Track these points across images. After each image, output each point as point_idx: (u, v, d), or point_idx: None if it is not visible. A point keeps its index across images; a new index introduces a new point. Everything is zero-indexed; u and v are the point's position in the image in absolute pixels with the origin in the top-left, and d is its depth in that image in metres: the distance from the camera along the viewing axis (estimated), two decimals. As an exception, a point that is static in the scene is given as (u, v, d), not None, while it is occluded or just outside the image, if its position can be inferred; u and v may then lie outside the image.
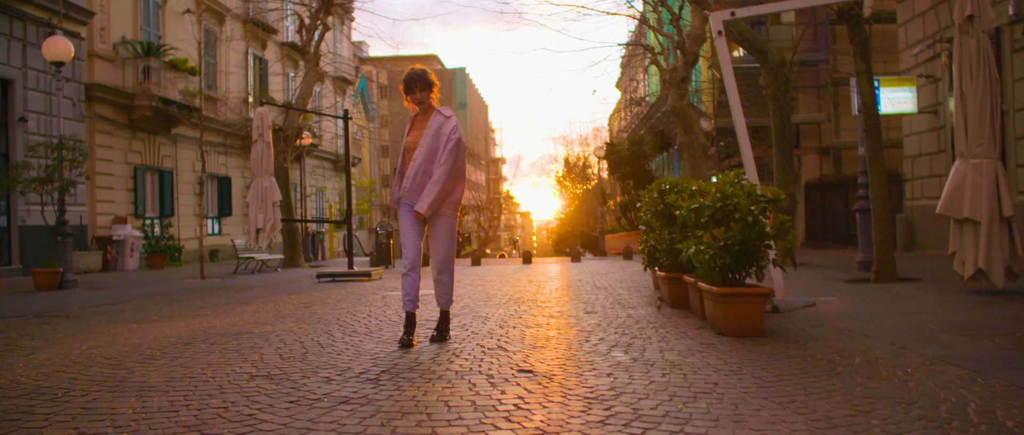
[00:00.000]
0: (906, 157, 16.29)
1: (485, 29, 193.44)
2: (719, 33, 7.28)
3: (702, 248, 5.10)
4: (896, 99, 15.48)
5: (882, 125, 12.60)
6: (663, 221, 7.10)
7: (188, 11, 20.98)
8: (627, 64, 47.66)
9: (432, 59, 74.93)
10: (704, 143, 19.48)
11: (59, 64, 11.94)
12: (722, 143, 24.22)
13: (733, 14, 7.32)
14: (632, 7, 23.30)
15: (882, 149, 9.60)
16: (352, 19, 36.17)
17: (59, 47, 11.77)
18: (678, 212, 5.77)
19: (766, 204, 5.13)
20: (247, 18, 24.98)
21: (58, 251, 11.91)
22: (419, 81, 4.96)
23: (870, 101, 9.48)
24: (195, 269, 16.47)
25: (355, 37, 40.62)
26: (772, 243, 5.25)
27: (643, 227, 7.86)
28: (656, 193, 7.30)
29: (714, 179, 5.58)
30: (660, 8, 19.98)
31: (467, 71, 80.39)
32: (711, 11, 7.22)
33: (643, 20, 21.34)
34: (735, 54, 24.38)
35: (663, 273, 7.07)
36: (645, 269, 8.00)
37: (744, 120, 7.43)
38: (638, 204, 12.29)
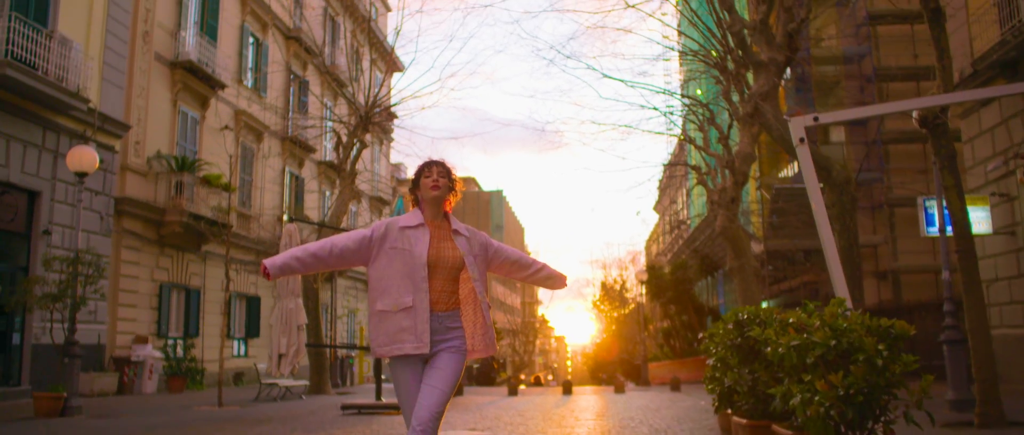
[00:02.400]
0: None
1: (523, 153, 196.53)
2: (801, 141, 6.39)
3: (815, 398, 4.02)
4: (978, 217, 14.37)
5: (940, 247, 11.64)
6: (743, 357, 6.03)
7: (226, 127, 20.82)
8: (665, 186, 47.10)
9: (470, 181, 75.37)
10: (756, 267, 18.41)
11: (83, 175, 11.41)
12: (771, 267, 23.06)
13: (816, 120, 6.44)
14: (674, 125, 22.71)
15: (978, 273, 8.50)
16: (391, 139, 36.26)
17: (84, 157, 11.27)
18: (769, 348, 4.73)
19: (893, 341, 4.08)
20: (285, 136, 24.87)
21: (65, 373, 11.03)
22: (441, 166, 3.55)
23: (962, 219, 8.45)
24: (215, 394, 15.45)
25: (394, 158, 40.73)
26: (897, 392, 4.17)
27: (712, 362, 6.79)
28: (732, 324, 6.25)
29: (764, 304, 4.59)
30: (708, 126, 19.34)
31: (504, 193, 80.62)
32: (792, 116, 6.34)
33: (689, 140, 20.71)
34: (783, 173, 23.54)
35: (743, 420, 5.93)
36: (715, 411, 6.86)
37: (832, 237, 6.43)
38: (700, 335, 11.17)
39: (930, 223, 13.50)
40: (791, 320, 5.20)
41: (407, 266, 3.31)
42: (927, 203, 13.81)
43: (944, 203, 9.27)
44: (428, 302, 3.29)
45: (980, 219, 14.31)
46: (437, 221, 3.49)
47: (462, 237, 3.49)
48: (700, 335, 17.63)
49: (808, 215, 19.48)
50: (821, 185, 14.52)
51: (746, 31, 13.42)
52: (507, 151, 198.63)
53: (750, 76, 17.72)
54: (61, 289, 11.43)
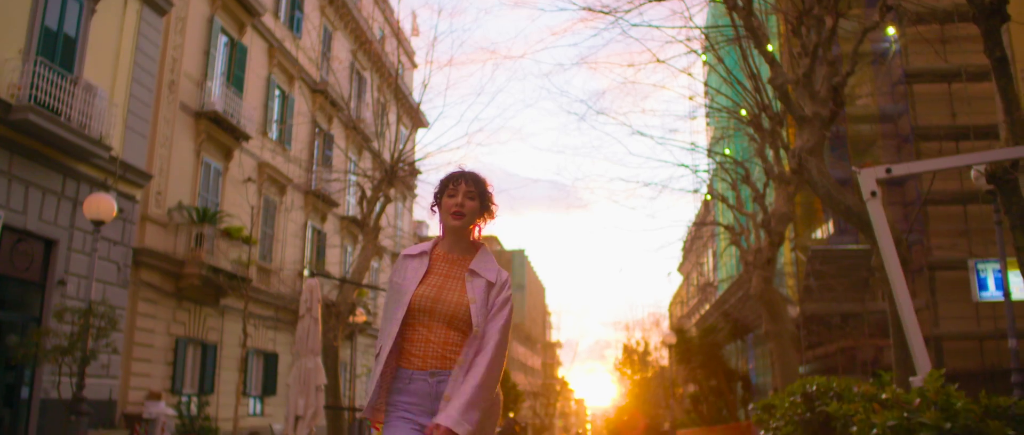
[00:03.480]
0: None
1: (546, 211, 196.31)
2: (873, 194, 5.84)
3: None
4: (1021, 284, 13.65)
5: (985, 313, 11.07)
6: (813, 434, 5.39)
7: (249, 179, 20.54)
8: (690, 248, 46.36)
9: (491, 240, 74.97)
10: (793, 332, 17.65)
11: (99, 223, 11.02)
12: (805, 331, 22.22)
13: (889, 171, 5.90)
14: (704, 182, 22.17)
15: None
16: (414, 195, 35.99)
17: (102, 205, 10.91)
18: (855, 428, 4.11)
19: (1020, 424, 3.46)
20: (308, 189, 24.59)
21: (72, 431, 10.49)
22: (470, 181, 2.85)
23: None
24: (227, 455, 14.79)
25: (417, 214, 40.46)
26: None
27: (765, 434, 6.16)
28: (800, 396, 5.63)
29: (800, 369, 3.98)
30: (741, 185, 18.79)
31: (526, 253, 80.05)
32: (862, 168, 5.79)
33: (721, 198, 20.16)
34: (816, 233, 22.86)
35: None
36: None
37: (909, 300, 5.83)
38: (749, 406, 10.46)
39: (983, 287, 12.84)
40: (883, 395, 4.55)
41: (396, 307, 2.81)
42: (980, 266, 13.14)
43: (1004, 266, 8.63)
44: (396, 356, 2.80)
45: (1034, 284, 13.60)
46: (455, 254, 2.86)
47: (479, 280, 2.79)
48: (749, 406, 16.83)
49: (846, 277, 18.71)
50: (850, 247, 13.89)
51: (789, 85, 12.96)
52: (530, 209, 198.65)
53: (784, 133, 17.24)
54: (71, 342, 10.95)
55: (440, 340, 2.74)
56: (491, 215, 2.87)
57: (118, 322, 12.16)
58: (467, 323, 2.74)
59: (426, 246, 2.91)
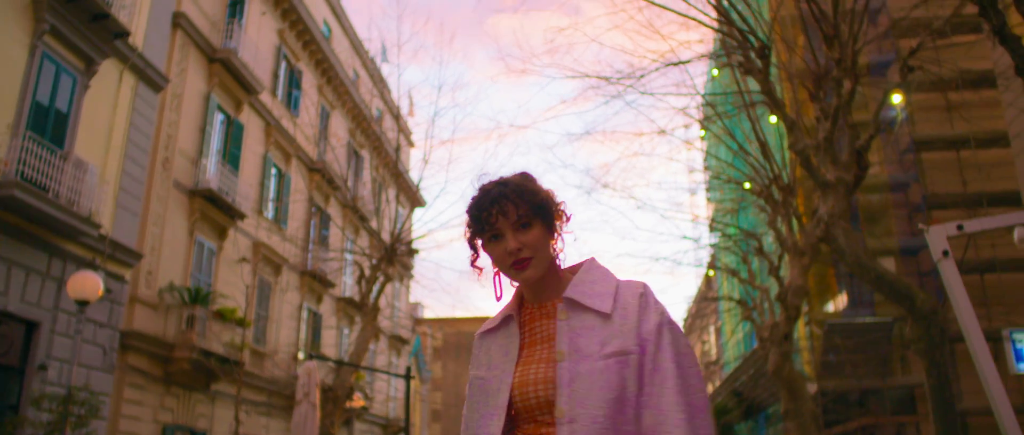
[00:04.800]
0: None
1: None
2: (945, 254, 5.25)
3: None
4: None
5: (1012, 386, 10.39)
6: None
7: (244, 259, 19.89)
8: (692, 326, 45.51)
9: (486, 320, 73.74)
10: (814, 410, 16.80)
11: (84, 303, 10.33)
12: (821, 409, 21.33)
13: (960, 228, 5.32)
14: (711, 256, 21.63)
15: None
16: (411, 276, 35.32)
17: (86, 284, 10.23)
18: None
19: None
20: (304, 270, 23.91)
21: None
22: (511, 198, 1.86)
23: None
24: None
25: (413, 296, 39.72)
26: None
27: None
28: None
29: None
30: (752, 257, 18.24)
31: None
32: (929, 225, 5.21)
33: (732, 272, 19.56)
34: (829, 306, 22.19)
35: None
36: None
37: (995, 370, 5.18)
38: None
39: (1020, 359, 12.19)
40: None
41: (486, 414, 1.86)
42: (1016, 336, 12.50)
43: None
44: None
45: (1075, 355, 12.94)
46: (544, 302, 1.90)
47: (581, 315, 1.81)
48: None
49: (864, 352, 17.98)
50: (874, 319, 13.29)
51: (810, 151, 12.56)
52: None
53: (797, 203, 16.80)
54: (48, 432, 10.12)
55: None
56: (565, 224, 1.93)
57: (100, 409, 11.33)
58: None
59: (508, 308, 1.97)
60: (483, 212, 1.86)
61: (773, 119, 17.59)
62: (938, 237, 5.31)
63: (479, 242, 1.93)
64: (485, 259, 1.95)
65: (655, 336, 1.75)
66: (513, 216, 1.83)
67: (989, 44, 14.33)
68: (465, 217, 1.93)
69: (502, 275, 1.93)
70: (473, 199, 1.90)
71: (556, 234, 1.91)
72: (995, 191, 18.00)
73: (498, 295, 1.94)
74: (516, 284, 1.95)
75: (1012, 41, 7.39)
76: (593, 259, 1.94)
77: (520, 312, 1.95)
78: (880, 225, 21.08)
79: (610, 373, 1.69)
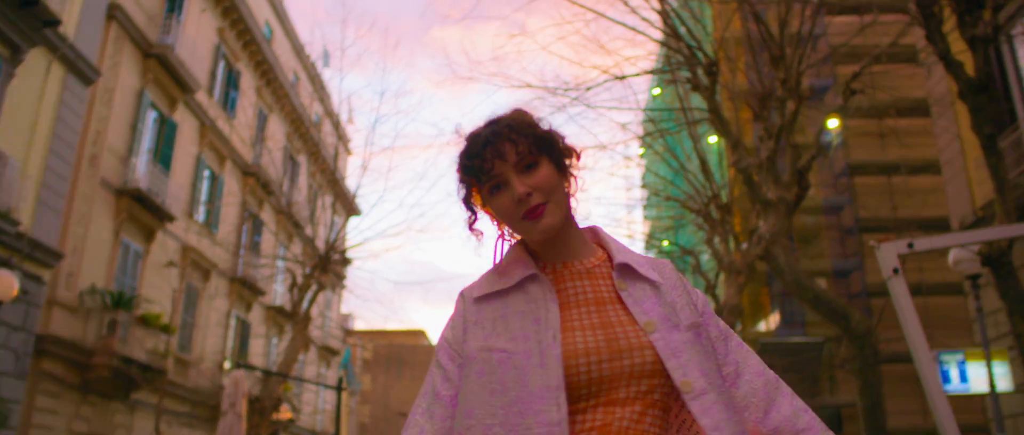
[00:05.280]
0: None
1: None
2: (896, 271, 5.24)
3: None
4: (984, 376, 13.29)
5: (951, 406, 10.69)
6: None
7: (171, 263, 19.17)
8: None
9: (419, 334, 73.10)
10: (746, 428, 16.95)
11: (-3, 303, 9.72)
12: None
13: (911, 246, 5.33)
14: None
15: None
16: (343, 286, 34.69)
17: (1, 282, 9.63)
18: None
19: None
20: (234, 276, 23.20)
21: None
22: (510, 135, 1.52)
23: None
24: None
25: (344, 306, 38.97)
26: None
27: None
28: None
29: None
30: (690, 275, 18.36)
31: (454, 347, 78.16)
32: (881, 242, 5.21)
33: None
34: (761, 325, 22.51)
35: None
36: None
37: (941, 388, 5.19)
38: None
39: (946, 380, 12.48)
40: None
41: (513, 391, 1.41)
42: (944, 358, 12.77)
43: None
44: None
45: (998, 375, 13.28)
46: (569, 261, 1.58)
47: (639, 284, 1.53)
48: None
49: (797, 372, 18.28)
50: (803, 340, 13.51)
51: (752, 169, 12.69)
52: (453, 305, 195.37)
53: (734, 223, 16.99)
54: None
55: (630, 424, 1.40)
56: (575, 165, 1.60)
57: (9, 418, 10.67)
58: (658, 376, 1.42)
59: (521, 267, 1.55)
60: (475, 158, 1.52)
61: (713, 139, 17.82)
62: (889, 255, 5.30)
63: (475, 200, 1.61)
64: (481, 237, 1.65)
65: (707, 309, 1.61)
66: (512, 157, 1.50)
67: (923, 73, 14.76)
68: (455, 175, 1.60)
69: (506, 239, 1.63)
70: (461, 149, 1.57)
71: (569, 175, 1.59)
72: (925, 217, 18.53)
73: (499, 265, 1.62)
74: (516, 239, 1.62)
75: (956, 66, 7.56)
76: (600, 227, 1.68)
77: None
78: (813, 246, 21.53)
79: (701, 344, 1.47)
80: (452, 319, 1.60)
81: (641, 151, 20.90)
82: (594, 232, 1.68)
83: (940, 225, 16.61)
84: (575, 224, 1.60)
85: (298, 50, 29.83)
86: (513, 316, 1.50)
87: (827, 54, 16.47)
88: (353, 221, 32.33)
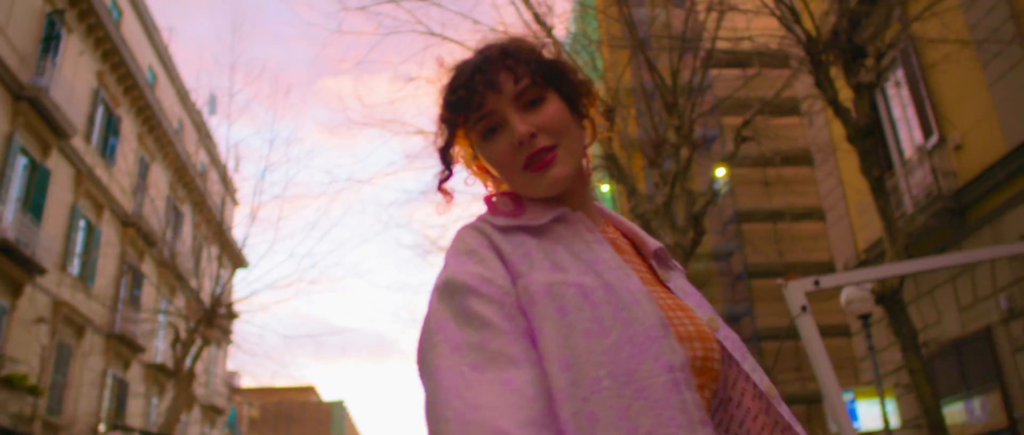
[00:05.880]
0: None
1: (365, 362, 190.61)
2: (804, 309, 5.32)
3: None
4: (877, 414, 13.78)
5: None
6: None
7: (41, 320, 17.84)
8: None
9: (308, 390, 70.67)
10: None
11: None
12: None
13: (817, 284, 5.44)
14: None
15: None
16: (229, 341, 33.24)
17: None
18: None
19: None
20: (111, 332, 21.81)
21: None
22: (504, 61, 1.19)
23: (935, 407, 7.56)
24: None
25: (230, 364, 37.29)
26: None
27: None
28: None
29: None
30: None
31: (346, 404, 76.00)
32: (788, 281, 5.30)
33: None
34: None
35: None
36: None
37: (851, 425, 5.26)
38: None
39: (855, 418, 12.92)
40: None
41: (617, 335, 1.05)
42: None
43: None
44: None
45: (891, 412, 13.80)
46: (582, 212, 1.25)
47: (677, 270, 1.29)
48: None
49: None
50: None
51: (649, 215, 12.90)
52: (348, 359, 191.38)
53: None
54: None
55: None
56: (591, 102, 1.28)
57: None
58: (716, 377, 1.15)
59: (541, 209, 1.22)
60: (461, 90, 1.20)
61: (605, 187, 18.12)
62: (796, 293, 5.39)
63: (461, 149, 1.29)
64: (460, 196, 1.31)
65: None
66: (510, 88, 1.18)
67: (805, 124, 15.49)
68: (436, 121, 1.27)
69: (507, 186, 1.25)
70: (444, 83, 1.25)
71: (585, 117, 1.26)
72: (810, 261, 19.29)
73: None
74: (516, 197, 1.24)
75: (844, 112, 7.92)
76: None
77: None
78: (706, 292, 22.03)
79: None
80: (472, 256, 1.13)
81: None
82: (606, 211, 1.37)
83: (826, 269, 17.32)
84: (589, 183, 1.28)
85: (183, 96, 28.82)
86: (561, 251, 1.15)
87: (714, 105, 17.10)
88: (240, 273, 31.14)
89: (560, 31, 14.30)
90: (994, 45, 8.80)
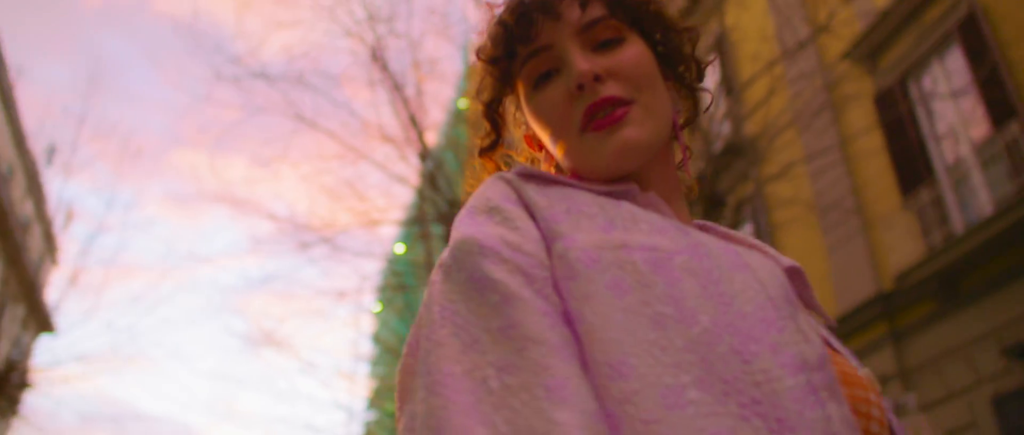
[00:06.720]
0: None
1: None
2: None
3: None
4: None
5: None
6: None
7: None
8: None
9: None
10: None
11: None
12: None
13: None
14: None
15: None
16: (16, 413, 30.05)
17: None
18: None
19: None
20: None
21: None
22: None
23: None
24: None
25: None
26: None
27: None
28: None
29: None
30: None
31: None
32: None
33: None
34: None
35: None
36: None
37: None
38: None
39: None
40: None
41: (711, 319, 0.68)
42: None
43: None
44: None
45: None
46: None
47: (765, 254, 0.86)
48: None
49: None
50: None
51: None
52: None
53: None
54: None
55: None
56: (692, 61, 0.94)
57: None
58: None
59: (602, 181, 0.85)
60: (513, 17, 0.87)
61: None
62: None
63: (510, 105, 0.96)
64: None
65: None
66: (575, 16, 0.86)
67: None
68: (476, 67, 0.93)
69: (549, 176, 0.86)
70: (492, 15, 0.91)
71: (678, 73, 0.94)
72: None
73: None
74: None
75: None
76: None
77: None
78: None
79: None
80: (494, 215, 0.76)
81: (380, 306, 20.41)
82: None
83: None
84: (673, 162, 0.92)
85: (19, 139, 26.91)
86: (625, 209, 0.79)
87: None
88: (45, 339, 28.51)
89: (431, 137, 14.25)
90: (835, 213, 9.37)
